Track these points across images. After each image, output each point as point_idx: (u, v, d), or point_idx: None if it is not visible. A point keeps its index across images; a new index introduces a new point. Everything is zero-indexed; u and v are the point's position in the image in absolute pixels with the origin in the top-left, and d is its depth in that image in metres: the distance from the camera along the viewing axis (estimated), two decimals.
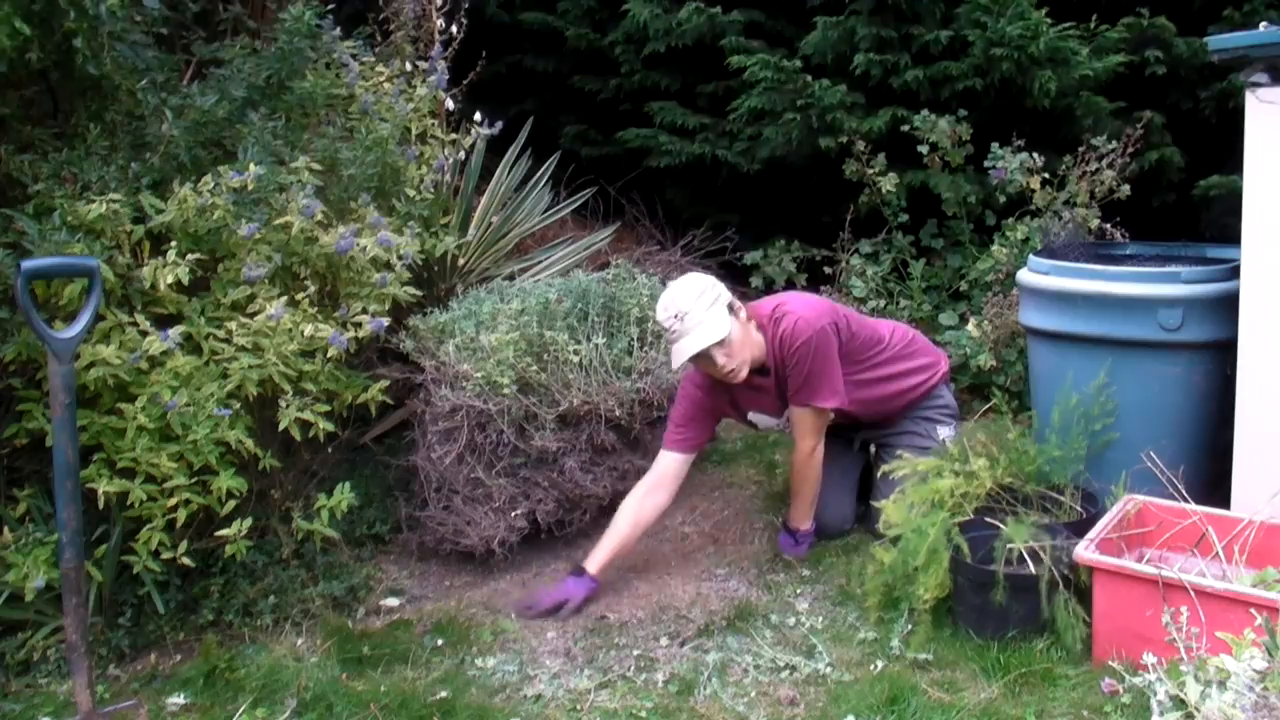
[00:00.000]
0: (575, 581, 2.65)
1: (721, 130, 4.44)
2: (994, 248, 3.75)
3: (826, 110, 3.89)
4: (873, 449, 3.04)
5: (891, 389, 2.87)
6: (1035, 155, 3.71)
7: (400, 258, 2.67)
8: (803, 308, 2.68)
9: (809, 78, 3.89)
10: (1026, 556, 2.30)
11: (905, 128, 3.89)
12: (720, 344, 2.55)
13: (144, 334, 2.33)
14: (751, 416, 2.88)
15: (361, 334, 2.56)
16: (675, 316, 2.55)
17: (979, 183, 3.86)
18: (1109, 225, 3.58)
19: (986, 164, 3.76)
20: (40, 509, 2.39)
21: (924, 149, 3.87)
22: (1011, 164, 3.69)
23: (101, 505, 2.28)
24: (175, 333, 2.31)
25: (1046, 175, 3.71)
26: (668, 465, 2.76)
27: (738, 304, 2.65)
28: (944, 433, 2.90)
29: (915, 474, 2.57)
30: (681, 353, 2.56)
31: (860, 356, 2.79)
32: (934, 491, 2.47)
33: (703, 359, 2.57)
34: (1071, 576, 2.26)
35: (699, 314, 2.54)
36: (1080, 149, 3.72)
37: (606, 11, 4.76)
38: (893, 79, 4.01)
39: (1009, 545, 2.31)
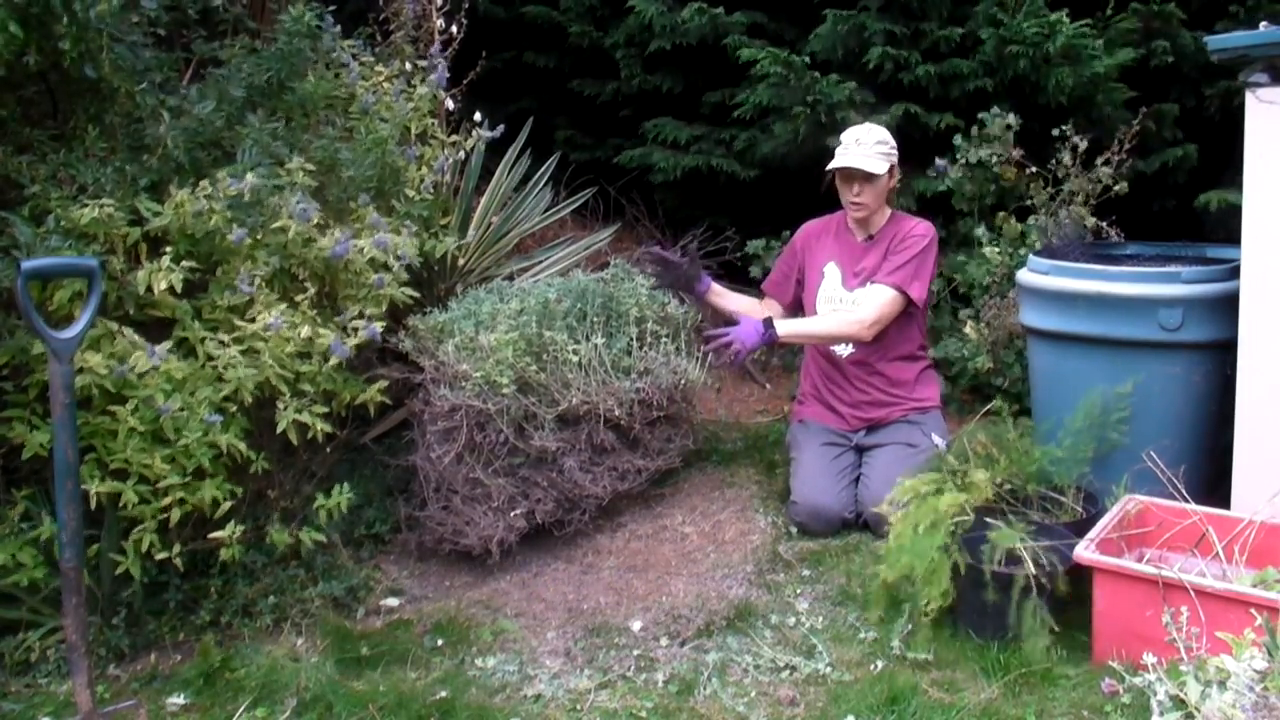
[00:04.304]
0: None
1: (717, 139, 4.44)
2: (986, 249, 3.72)
3: (835, 107, 3.87)
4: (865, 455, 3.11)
5: (911, 373, 3.13)
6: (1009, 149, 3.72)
7: (398, 258, 2.67)
8: None
9: (816, 74, 3.88)
10: (1026, 557, 2.29)
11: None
12: (870, 178, 2.99)
13: (133, 345, 2.30)
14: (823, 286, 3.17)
15: (358, 340, 2.55)
16: (856, 141, 3.01)
17: (994, 179, 3.85)
18: (1104, 224, 3.57)
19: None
20: (39, 510, 2.39)
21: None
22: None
23: (94, 506, 2.27)
24: (162, 349, 2.29)
25: (1045, 174, 3.70)
26: (771, 305, 3.28)
27: (897, 173, 3.11)
28: (938, 440, 2.91)
29: (917, 495, 2.54)
30: (845, 159, 2.98)
31: (917, 328, 3.15)
32: (933, 510, 2.46)
33: (849, 177, 3.02)
34: (1048, 584, 2.24)
35: (876, 151, 2.99)
36: (1078, 150, 3.70)
37: (608, 9, 4.74)
38: (903, 74, 3.99)
39: (998, 548, 2.30)
